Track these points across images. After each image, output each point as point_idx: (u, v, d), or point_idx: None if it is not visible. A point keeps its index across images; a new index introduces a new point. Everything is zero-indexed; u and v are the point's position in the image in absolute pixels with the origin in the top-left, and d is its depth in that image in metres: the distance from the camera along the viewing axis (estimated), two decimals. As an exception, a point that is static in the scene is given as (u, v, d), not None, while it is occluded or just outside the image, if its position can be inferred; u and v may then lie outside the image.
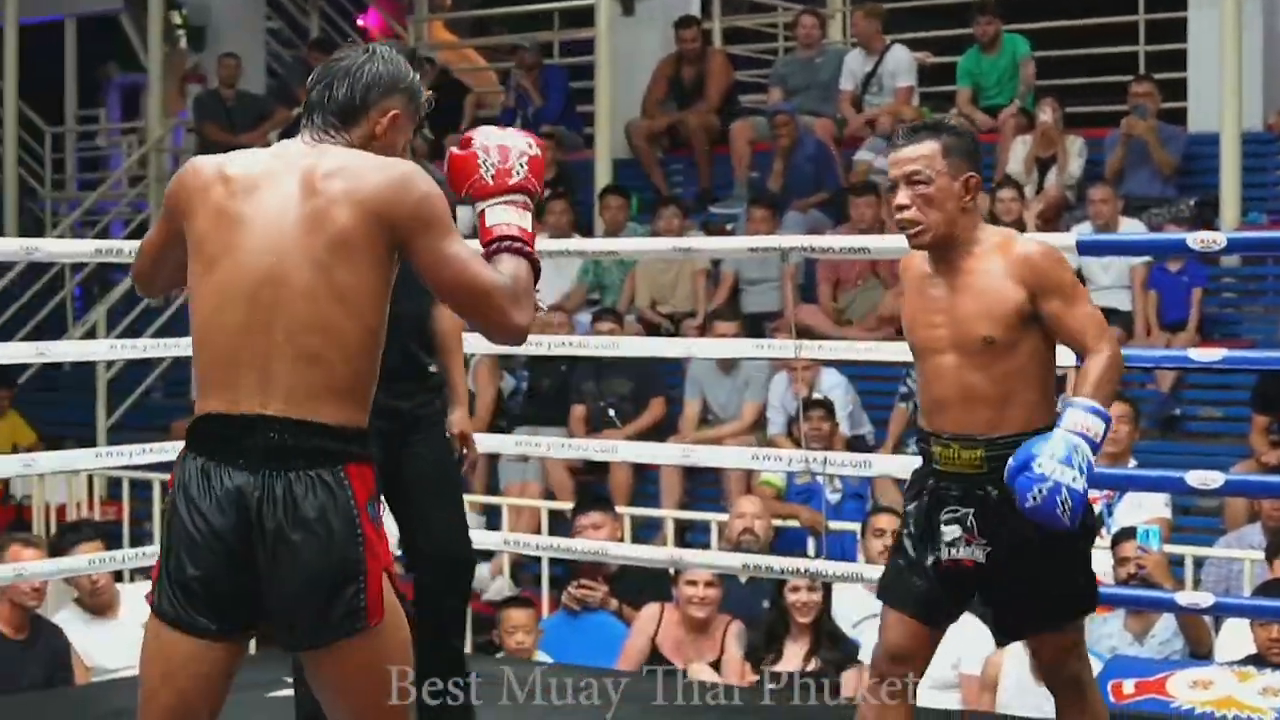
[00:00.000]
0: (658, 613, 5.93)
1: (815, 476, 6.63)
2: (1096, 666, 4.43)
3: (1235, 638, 5.39)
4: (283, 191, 2.71)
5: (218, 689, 2.74)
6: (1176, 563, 5.77)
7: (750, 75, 11.24)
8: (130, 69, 13.51)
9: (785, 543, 6.74)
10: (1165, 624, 5.51)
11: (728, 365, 7.84)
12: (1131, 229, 7.83)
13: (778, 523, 6.73)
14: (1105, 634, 5.58)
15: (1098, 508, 5.48)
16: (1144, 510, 6.05)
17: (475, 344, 4.61)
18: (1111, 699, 4.84)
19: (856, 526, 6.31)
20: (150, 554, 5.61)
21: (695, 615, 5.81)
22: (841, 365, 7.55)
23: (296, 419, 2.64)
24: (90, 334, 9.81)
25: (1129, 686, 5.03)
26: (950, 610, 3.53)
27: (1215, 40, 8.29)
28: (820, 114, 9.59)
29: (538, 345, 5.58)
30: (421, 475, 3.94)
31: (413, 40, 11.93)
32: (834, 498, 7.03)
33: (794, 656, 5.63)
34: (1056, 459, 3.23)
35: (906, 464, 5.55)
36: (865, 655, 5.61)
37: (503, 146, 2.78)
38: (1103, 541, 5.30)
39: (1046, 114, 8.56)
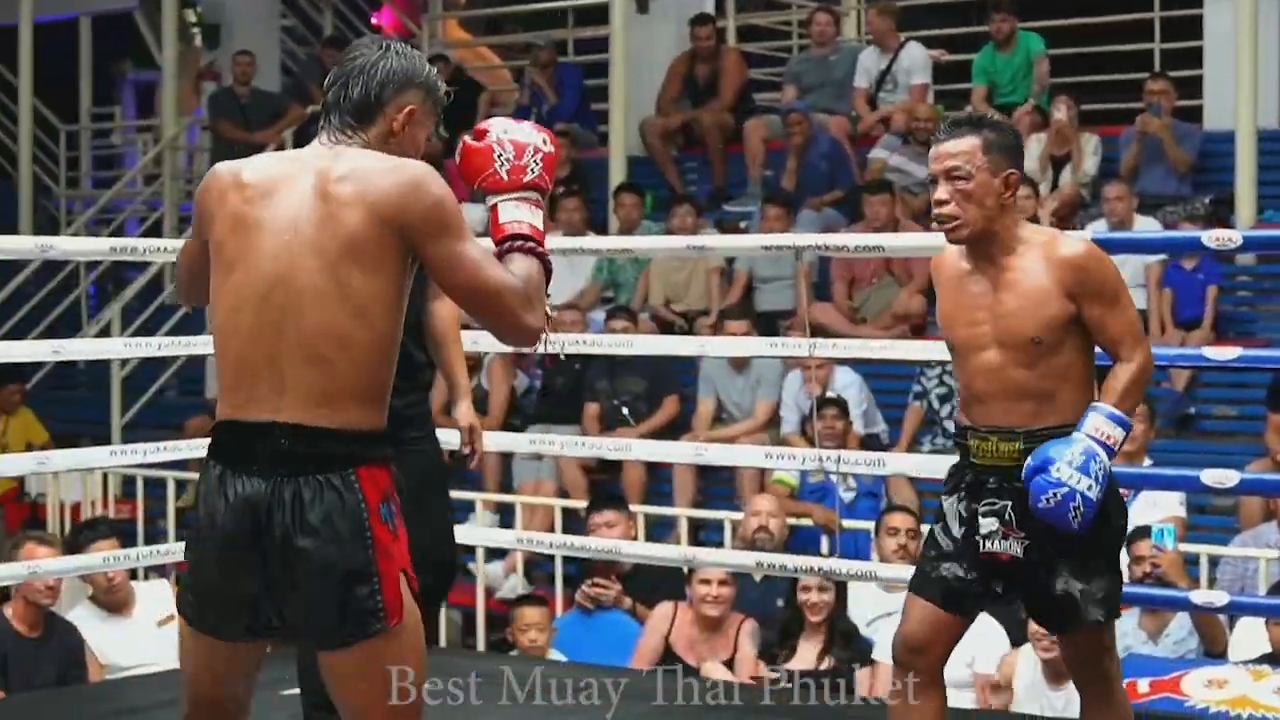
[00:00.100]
0: (671, 611, 5.93)
1: (829, 475, 6.62)
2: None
3: (1250, 636, 5.38)
4: (296, 195, 2.71)
5: (247, 676, 2.83)
6: (1191, 561, 5.76)
7: (765, 73, 11.23)
8: (145, 67, 13.54)
9: (799, 541, 6.74)
10: (1180, 623, 5.50)
11: (739, 363, 7.83)
12: (1146, 227, 7.81)
13: (791, 521, 6.72)
14: (1120, 633, 5.54)
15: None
16: (1159, 509, 6.03)
17: (488, 342, 4.62)
18: (1126, 698, 4.83)
19: (870, 525, 6.30)
20: (164, 552, 5.64)
21: (709, 614, 5.81)
22: (855, 364, 7.54)
23: (306, 424, 2.65)
24: (104, 332, 9.83)
25: (1143, 685, 5.02)
26: (977, 601, 3.53)
27: (1231, 37, 8.27)
28: (835, 112, 9.59)
29: (550, 344, 5.57)
30: (409, 476, 3.94)
31: (427, 38, 11.95)
32: (848, 496, 7.02)
33: (808, 655, 5.63)
34: (1074, 466, 3.27)
35: (920, 463, 5.57)
36: (879, 654, 5.61)
37: (517, 142, 2.77)
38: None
39: (1061, 111, 8.55)
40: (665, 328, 8.49)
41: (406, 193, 2.67)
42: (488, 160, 2.76)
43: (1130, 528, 5.76)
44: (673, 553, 5.70)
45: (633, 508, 6.75)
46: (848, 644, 5.64)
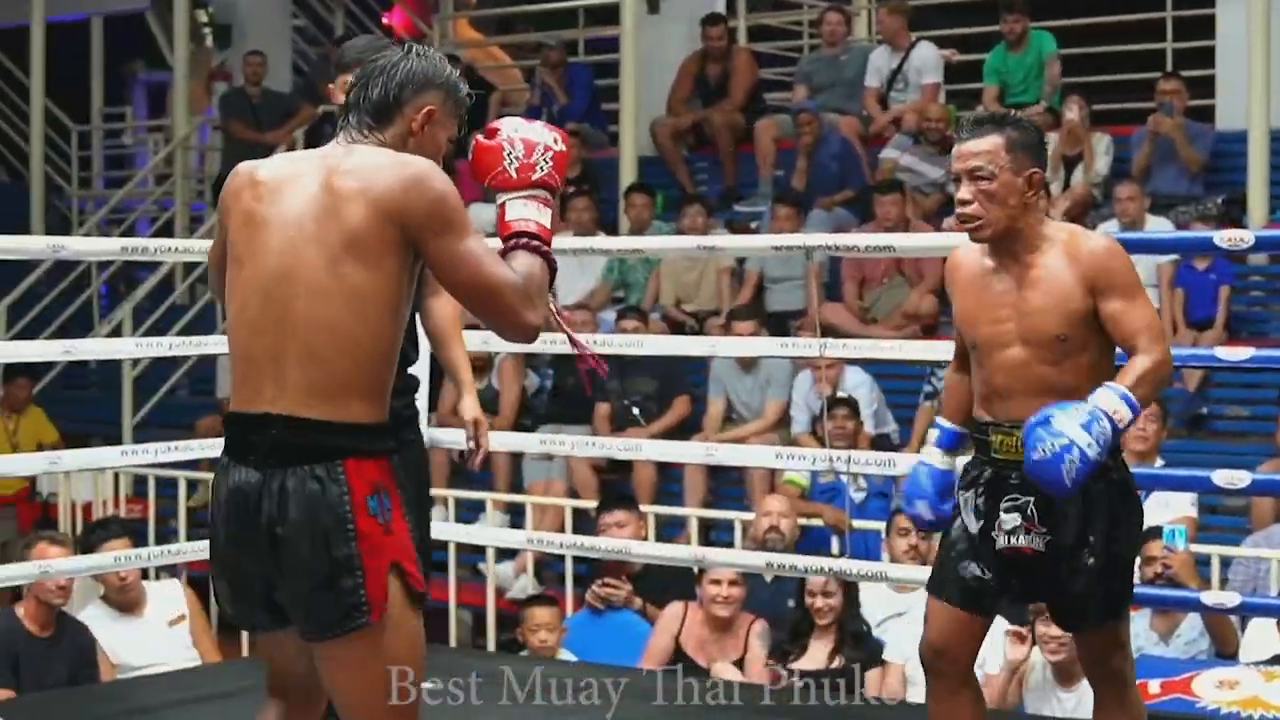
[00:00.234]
0: (681, 611, 5.92)
1: (839, 475, 6.61)
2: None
3: (1262, 637, 5.36)
4: (303, 192, 2.73)
5: (296, 654, 2.81)
6: (1203, 562, 5.75)
7: (775, 73, 11.23)
8: (156, 67, 13.57)
9: (809, 542, 6.73)
10: (1191, 624, 5.48)
11: (748, 363, 7.83)
12: (1158, 227, 7.79)
13: (802, 522, 6.72)
14: (1130, 634, 5.55)
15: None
16: (1170, 509, 6.02)
17: (500, 342, 4.61)
18: (1137, 699, 4.82)
19: (881, 526, 6.29)
20: (175, 551, 5.65)
21: (719, 614, 5.81)
22: (866, 364, 7.54)
23: (300, 416, 2.67)
24: (116, 332, 9.84)
25: (1154, 686, 5.01)
26: (998, 598, 3.52)
27: (1243, 37, 8.24)
28: (845, 111, 9.58)
29: (562, 344, 5.58)
30: (410, 476, 3.93)
31: (438, 38, 11.95)
32: (858, 497, 7.01)
33: (818, 655, 5.62)
34: (1076, 422, 3.21)
35: (931, 463, 5.56)
36: (889, 655, 5.61)
37: (528, 140, 2.78)
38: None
39: (1073, 111, 8.53)
40: (676, 328, 8.49)
41: (409, 188, 2.68)
42: (497, 158, 2.77)
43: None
44: (683, 553, 5.69)
45: (643, 508, 6.75)
46: (858, 644, 5.63)
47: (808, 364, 7.50)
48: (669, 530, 7.07)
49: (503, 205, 2.77)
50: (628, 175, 9.46)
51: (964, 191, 3.43)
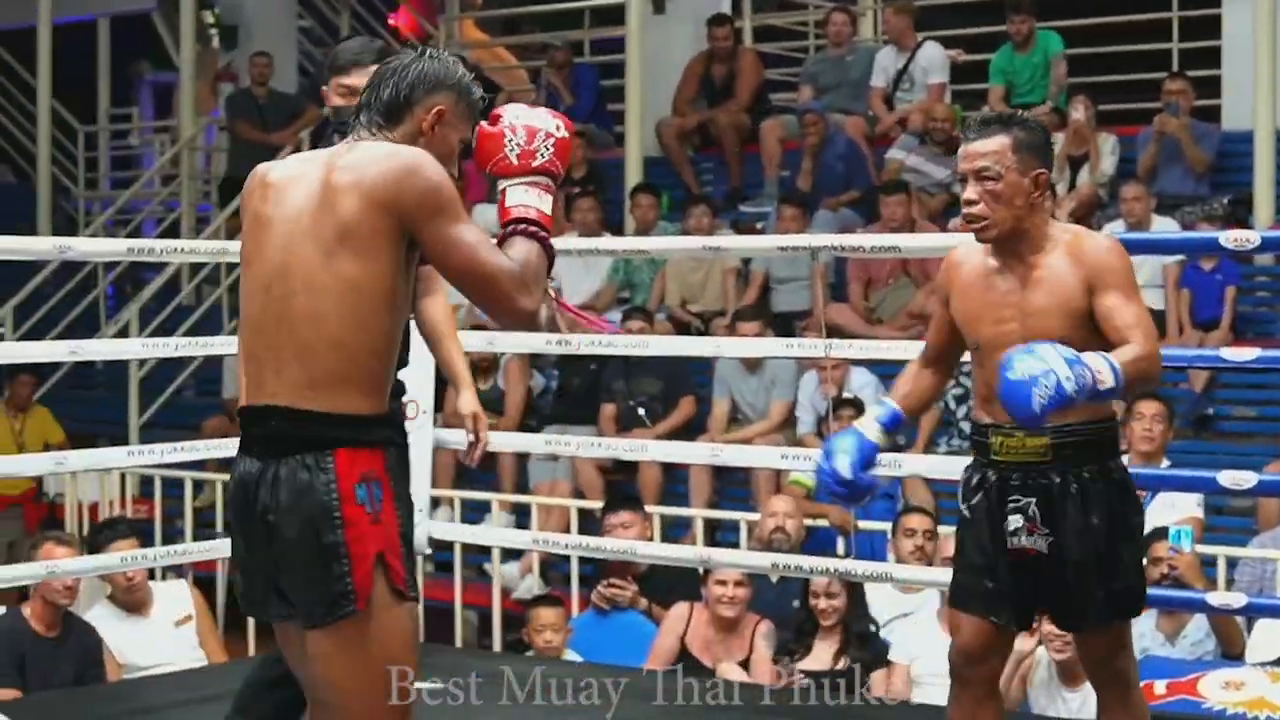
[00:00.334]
0: (687, 612, 5.92)
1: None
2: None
3: (1268, 638, 5.36)
4: (304, 189, 2.76)
5: (303, 652, 2.81)
6: (1209, 563, 5.74)
7: (781, 73, 11.22)
8: (163, 68, 13.58)
9: (815, 542, 6.73)
10: (1197, 625, 5.48)
11: (753, 364, 7.82)
12: (1164, 227, 7.79)
13: (808, 522, 6.71)
14: (1136, 634, 5.53)
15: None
16: (1176, 510, 6.01)
17: (506, 343, 4.63)
18: (1142, 700, 4.82)
19: (886, 526, 6.30)
20: (182, 552, 5.66)
21: (724, 615, 5.81)
22: (872, 364, 7.53)
23: (296, 408, 2.70)
24: (122, 333, 9.85)
25: (1160, 687, 5.01)
26: (1019, 604, 3.51)
27: (1250, 37, 8.24)
28: (851, 112, 9.57)
29: (567, 344, 5.59)
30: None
31: (444, 39, 11.95)
32: (864, 497, 7.00)
33: (823, 656, 5.62)
34: (1061, 356, 3.18)
35: (936, 464, 5.57)
36: (895, 655, 5.61)
37: (530, 126, 2.79)
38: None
39: (1079, 111, 8.53)
40: (681, 328, 8.49)
41: (401, 177, 2.70)
42: (499, 145, 2.78)
43: (1148, 529, 5.79)
44: (688, 553, 5.70)
45: (648, 508, 6.74)
46: (864, 645, 5.63)
47: (813, 364, 7.50)
48: (674, 531, 7.06)
49: (503, 191, 2.79)
50: (633, 176, 9.46)
51: (970, 192, 3.43)
